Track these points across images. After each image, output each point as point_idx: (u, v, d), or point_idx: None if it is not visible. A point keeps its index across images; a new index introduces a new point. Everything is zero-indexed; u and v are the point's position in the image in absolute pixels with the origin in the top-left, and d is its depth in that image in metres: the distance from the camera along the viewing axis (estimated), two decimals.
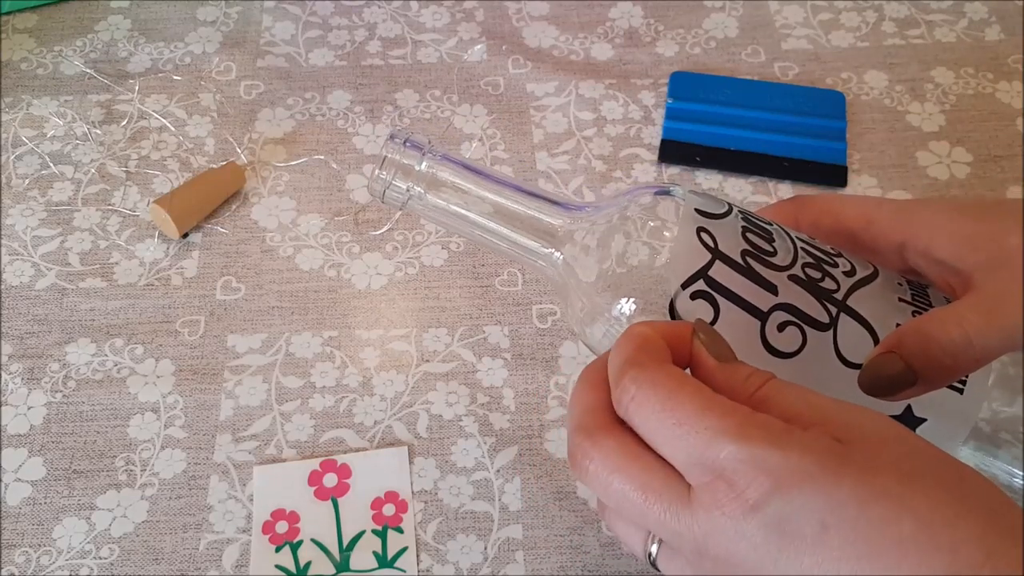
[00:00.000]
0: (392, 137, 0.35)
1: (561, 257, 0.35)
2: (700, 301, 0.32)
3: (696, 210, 0.34)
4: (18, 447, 0.48)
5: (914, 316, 0.34)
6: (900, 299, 0.34)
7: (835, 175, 0.58)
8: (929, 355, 0.31)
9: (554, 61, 0.64)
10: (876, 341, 0.33)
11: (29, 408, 0.49)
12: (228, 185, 0.56)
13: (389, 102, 0.62)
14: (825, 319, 0.33)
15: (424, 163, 0.35)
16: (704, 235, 0.33)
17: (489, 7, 0.67)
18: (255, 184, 0.58)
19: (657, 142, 0.60)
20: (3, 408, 0.49)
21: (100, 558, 0.45)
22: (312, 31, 0.66)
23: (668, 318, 0.32)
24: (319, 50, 0.65)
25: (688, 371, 0.30)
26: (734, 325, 0.32)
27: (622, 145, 0.60)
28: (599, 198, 0.37)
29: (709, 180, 0.58)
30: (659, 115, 0.61)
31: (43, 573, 0.44)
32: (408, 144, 0.35)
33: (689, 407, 0.27)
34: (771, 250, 0.33)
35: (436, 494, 0.47)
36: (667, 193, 0.35)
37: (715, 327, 0.31)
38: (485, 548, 0.45)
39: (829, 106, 0.61)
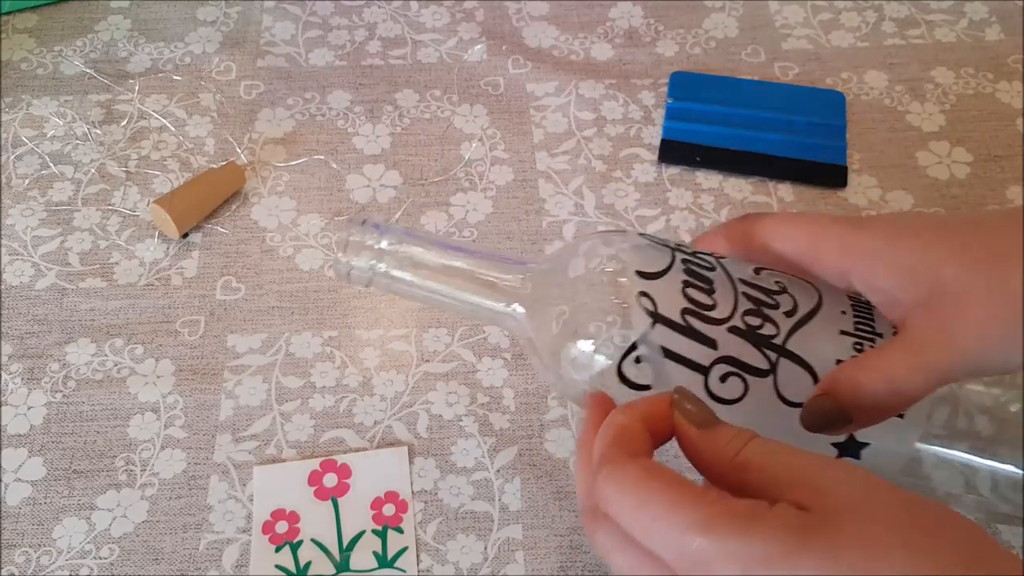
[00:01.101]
0: (352, 221, 0.38)
1: (523, 312, 0.37)
2: (644, 364, 0.34)
3: (637, 272, 0.35)
4: (18, 447, 0.48)
5: (855, 348, 0.35)
6: (842, 331, 0.35)
7: (835, 175, 0.58)
8: (859, 401, 0.33)
9: (554, 61, 0.64)
10: (816, 379, 0.35)
11: (29, 408, 0.49)
12: (228, 185, 0.56)
13: (389, 102, 0.62)
14: (765, 366, 0.34)
15: (384, 241, 0.37)
16: (644, 299, 0.34)
17: (489, 7, 0.67)
18: (255, 184, 0.58)
19: (657, 142, 0.60)
20: (3, 408, 0.49)
21: (100, 558, 0.45)
22: (312, 31, 0.66)
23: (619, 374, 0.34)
24: (319, 50, 0.65)
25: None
26: (677, 381, 0.34)
27: (622, 145, 0.60)
28: (554, 252, 0.40)
29: (709, 180, 0.58)
30: (659, 115, 0.61)
31: (43, 573, 0.44)
32: (369, 225, 0.37)
33: (660, 502, 0.28)
34: (711, 303, 0.34)
35: (436, 494, 0.47)
36: (614, 258, 0.36)
37: (661, 381, 0.34)
38: (485, 548, 0.45)
39: (829, 106, 0.61)
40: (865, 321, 0.36)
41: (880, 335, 0.36)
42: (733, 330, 0.34)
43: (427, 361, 0.51)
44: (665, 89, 0.62)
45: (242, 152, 0.59)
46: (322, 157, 0.59)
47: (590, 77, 0.63)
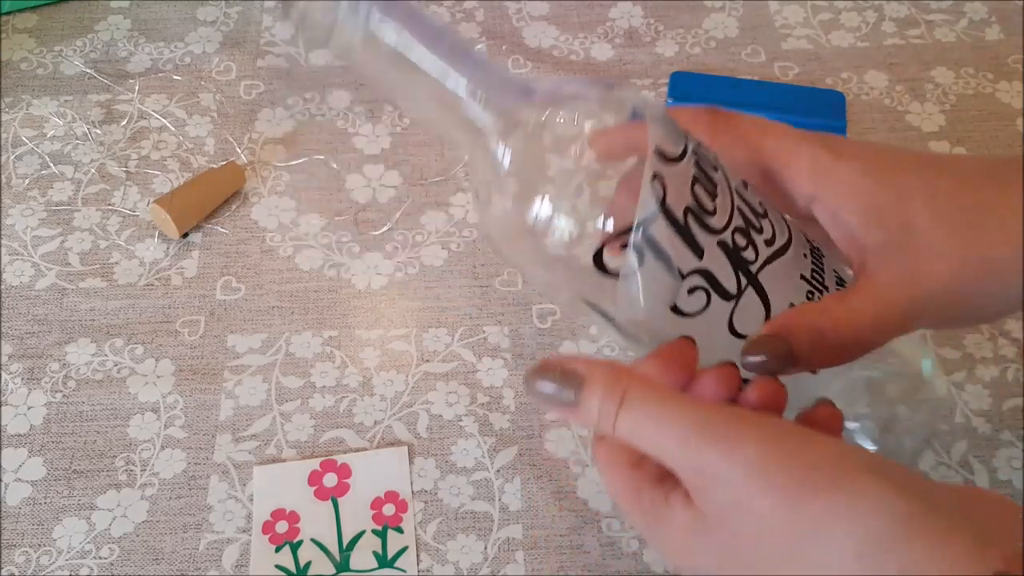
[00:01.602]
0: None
1: (505, 149, 0.32)
2: (631, 251, 0.32)
3: (657, 149, 0.32)
4: (18, 447, 0.48)
5: (808, 297, 0.34)
6: (801, 276, 0.35)
7: None
8: (817, 348, 0.32)
9: (554, 61, 0.64)
10: (767, 317, 0.34)
11: (29, 408, 0.49)
12: (228, 185, 0.56)
13: (389, 102, 0.62)
14: (734, 291, 0.33)
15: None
16: (656, 184, 0.31)
17: (489, 7, 0.67)
18: (255, 184, 0.58)
19: None
20: (3, 408, 0.49)
21: (100, 558, 0.45)
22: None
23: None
24: (319, 50, 0.65)
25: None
26: (651, 279, 0.32)
27: None
28: (557, 87, 0.35)
29: None
30: None
31: (43, 573, 0.44)
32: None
33: (611, 487, 0.31)
34: (711, 209, 0.33)
35: (436, 494, 0.47)
36: (638, 115, 0.33)
37: (634, 274, 0.32)
38: (485, 548, 0.45)
39: (829, 106, 0.61)
40: (818, 271, 0.35)
41: (827, 288, 0.35)
42: (722, 244, 0.33)
43: (427, 361, 0.51)
44: (665, 89, 0.62)
45: (242, 152, 0.59)
46: (322, 157, 0.59)
47: (590, 77, 0.63)
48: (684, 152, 0.33)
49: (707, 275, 0.33)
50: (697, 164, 0.33)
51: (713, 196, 0.33)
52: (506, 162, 0.33)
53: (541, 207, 0.32)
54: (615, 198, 0.32)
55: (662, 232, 0.32)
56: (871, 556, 0.25)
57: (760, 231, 0.34)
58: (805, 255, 0.36)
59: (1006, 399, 0.50)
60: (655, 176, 0.31)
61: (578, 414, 0.30)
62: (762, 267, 0.34)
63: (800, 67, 0.64)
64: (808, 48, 0.65)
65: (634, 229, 0.31)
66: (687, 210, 0.32)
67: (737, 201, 0.34)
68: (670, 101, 0.61)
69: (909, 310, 0.32)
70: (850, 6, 0.68)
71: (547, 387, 0.30)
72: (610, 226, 0.32)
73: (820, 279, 0.35)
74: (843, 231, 0.34)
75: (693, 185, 0.32)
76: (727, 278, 0.33)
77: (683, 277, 0.32)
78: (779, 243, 0.34)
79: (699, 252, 0.32)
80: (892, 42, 0.65)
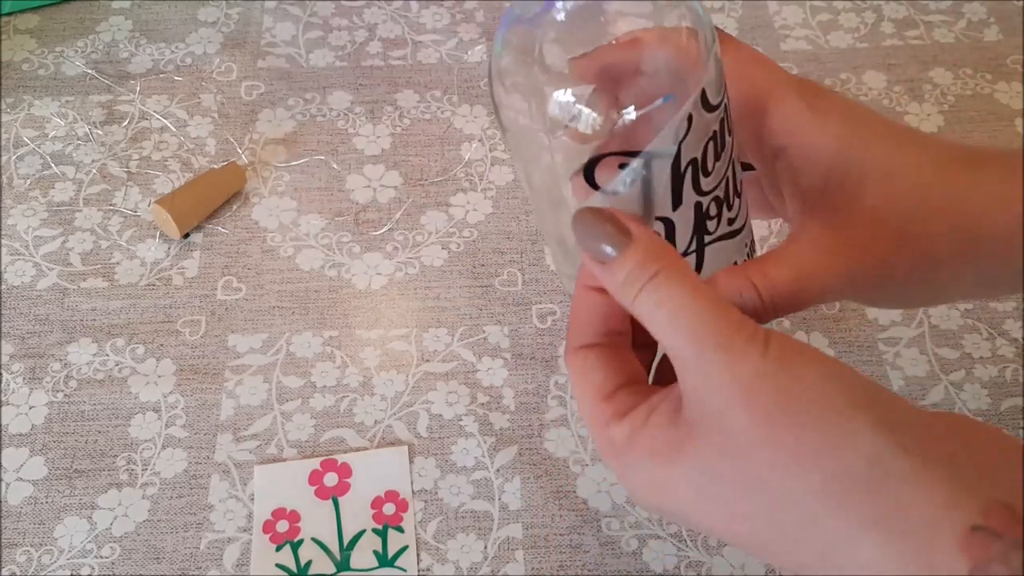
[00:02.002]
0: None
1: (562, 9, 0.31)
2: (625, 173, 0.31)
3: (702, 91, 0.31)
4: (19, 446, 0.48)
5: None
6: (735, 262, 0.35)
7: None
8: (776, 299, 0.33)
9: None
10: None
11: (30, 408, 0.49)
12: (229, 185, 0.57)
13: (389, 103, 0.62)
14: (682, 250, 0.33)
15: None
16: (684, 124, 0.31)
17: (489, 8, 0.68)
18: (256, 184, 0.58)
19: None
20: (5, 408, 0.49)
21: (101, 557, 0.45)
22: (313, 32, 0.66)
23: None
24: (320, 51, 0.65)
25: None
26: (625, 205, 0.32)
27: None
28: None
29: None
30: None
31: (44, 572, 0.44)
32: None
33: (582, 407, 0.31)
34: (710, 169, 0.33)
35: (436, 493, 0.47)
36: (703, 42, 0.32)
37: (614, 195, 0.32)
38: (485, 547, 0.45)
39: None
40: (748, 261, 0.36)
41: None
42: (697, 206, 0.33)
43: (427, 361, 0.51)
44: None
45: (243, 152, 0.59)
46: (322, 157, 0.59)
47: None
48: (719, 104, 0.32)
49: (669, 226, 0.33)
50: (722, 122, 0.33)
51: (717, 158, 0.33)
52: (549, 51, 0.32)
53: (567, 95, 0.31)
54: (637, 123, 0.32)
55: (661, 171, 0.31)
56: (837, 496, 0.25)
57: (730, 208, 0.34)
58: (746, 245, 0.36)
59: (1004, 399, 0.50)
60: (689, 117, 0.31)
61: (607, 271, 0.29)
62: (713, 241, 0.34)
63: (799, 67, 0.64)
64: (807, 48, 0.65)
65: (642, 153, 0.31)
66: (692, 161, 0.32)
67: (729, 172, 0.34)
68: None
69: (834, 282, 0.32)
70: (849, 7, 0.68)
71: (596, 233, 0.30)
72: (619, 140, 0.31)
73: None
74: (796, 189, 0.34)
75: (708, 141, 0.32)
76: (683, 237, 0.33)
77: (649, 220, 0.32)
78: (736, 225, 0.35)
79: (677, 203, 0.32)
80: (891, 43, 0.66)
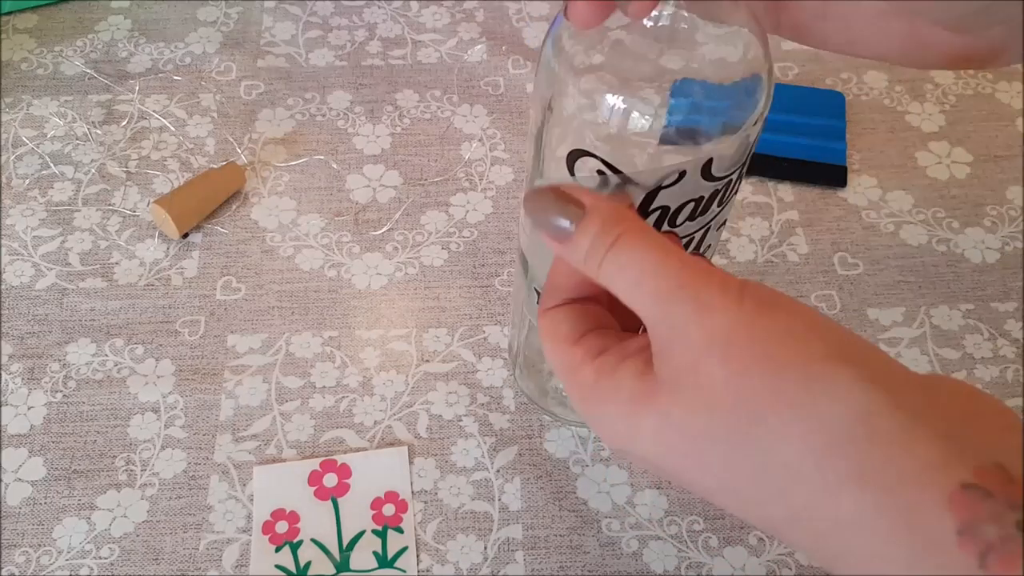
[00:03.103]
0: None
1: None
2: (596, 187, 0.31)
3: (709, 160, 0.31)
4: (18, 447, 0.48)
5: None
6: None
7: (835, 175, 0.58)
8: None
9: None
10: None
11: (29, 408, 0.49)
12: (228, 185, 0.56)
13: (389, 102, 0.62)
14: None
15: None
16: (675, 176, 0.31)
17: (489, 7, 0.67)
18: (255, 184, 0.58)
19: None
20: (3, 408, 0.49)
21: (100, 558, 0.45)
22: (312, 31, 0.66)
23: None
24: (319, 50, 0.65)
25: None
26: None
27: None
28: None
29: None
30: None
31: (43, 573, 0.44)
32: None
33: (552, 359, 0.31)
34: (677, 223, 0.33)
35: (436, 494, 0.47)
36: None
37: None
38: (485, 548, 0.45)
39: (829, 106, 0.61)
40: None
41: None
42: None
43: (427, 361, 0.51)
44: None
45: (242, 152, 0.59)
46: (322, 157, 0.59)
47: None
48: (722, 179, 0.33)
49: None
50: (715, 194, 0.33)
51: (691, 219, 0.33)
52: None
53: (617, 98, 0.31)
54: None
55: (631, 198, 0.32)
56: (819, 449, 0.23)
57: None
58: None
59: (1005, 399, 0.50)
60: (682, 172, 0.31)
61: (568, 247, 0.29)
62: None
63: (800, 67, 0.64)
64: (808, 48, 0.65)
65: (620, 174, 0.31)
66: (663, 208, 0.32)
67: (697, 237, 0.35)
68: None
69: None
70: None
71: (548, 211, 0.29)
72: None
73: None
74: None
75: (690, 202, 0.33)
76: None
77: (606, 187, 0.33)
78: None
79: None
80: None
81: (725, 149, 0.32)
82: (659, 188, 0.31)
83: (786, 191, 0.58)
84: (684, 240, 0.34)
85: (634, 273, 0.27)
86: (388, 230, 0.56)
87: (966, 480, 0.22)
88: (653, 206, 0.32)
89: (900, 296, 0.54)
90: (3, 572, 0.44)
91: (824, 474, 0.23)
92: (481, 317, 0.53)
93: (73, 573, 0.44)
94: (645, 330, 0.28)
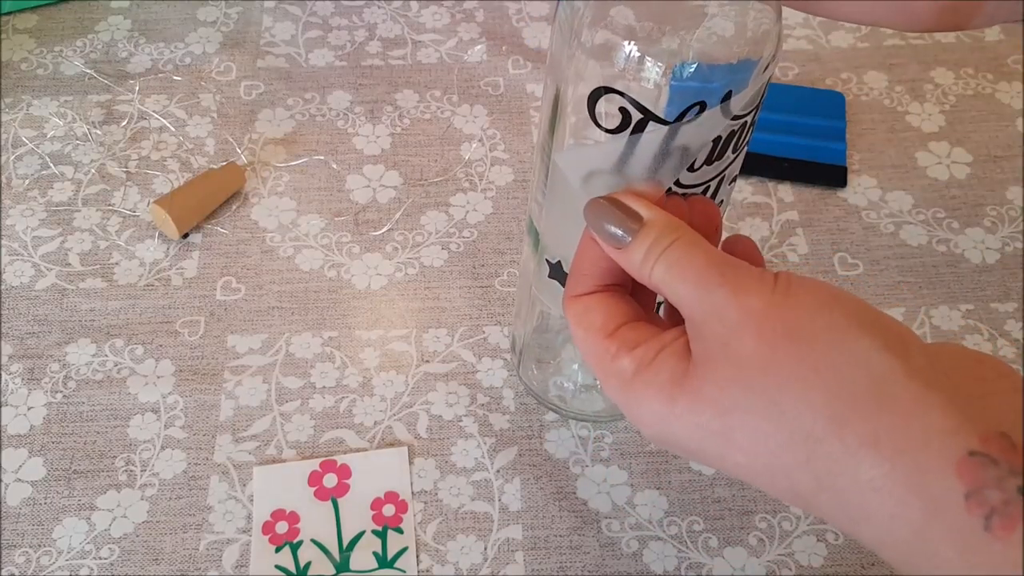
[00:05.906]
0: None
1: None
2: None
3: (728, 92, 0.32)
4: (18, 447, 0.48)
5: None
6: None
7: (835, 175, 0.58)
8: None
9: None
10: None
11: (29, 408, 0.49)
12: (228, 185, 0.56)
13: (389, 102, 0.62)
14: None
15: None
16: (697, 108, 0.31)
17: (489, 7, 0.67)
18: (255, 184, 0.58)
19: None
20: (3, 408, 0.49)
21: (100, 558, 0.45)
22: (312, 31, 0.66)
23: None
24: (319, 50, 0.65)
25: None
26: (601, 158, 0.33)
27: None
28: None
29: None
30: None
31: (43, 573, 0.44)
32: None
33: (584, 347, 0.32)
34: (695, 167, 0.33)
35: (436, 494, 0.47)
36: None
37: (588, 148, 0.33)
38: (485, 548, 0.45)
39: (829, 106, 0.61)
40: None
41: None
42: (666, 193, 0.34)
43: (427, 361, 0.51)
44: None
45: (242, 152, 0.59)
46: (322, 157, 0.59)
47: None
48: (741, 118, 0.33)
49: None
50: (732, 134, 0.34)
51: (708, 163, 0.34)
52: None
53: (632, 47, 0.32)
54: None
55: (651, 140, 0.32)
56: (840, 415, 0.25)
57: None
58: None
59: None
60: (702, 104, 0.32)
61: (623, 256, 0.30)
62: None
63: (800, 67, 0.64)
64: (808, 48, 0.65)
65: (643, 110, 0.32)
66: (683, 148, 0.33)
67: (712, 185, 0.35)
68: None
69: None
70: None
71: (609, 224, 0.31)
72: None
73: None
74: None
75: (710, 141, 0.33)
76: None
77: (622, 176, 0.33)
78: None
79: (650, 177, 0.33)
80: (892, 43, 0.65)
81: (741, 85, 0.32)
82: (680, 125, 0.32)
83: (786, 191, 0.58)
84: (700, 189, 0.35)
85: (680, 271, 0.29)
86: (388, 230, 0.56)
87: (973, 447, 0.24)
88: (674, 143, 0.32)
89: (900, 296, 0.54)
90: (3, 572, 0.44)
91: (844, 438, 0.25)
92: (481, 317, 0.53)
93: (73, 573, 0.44)
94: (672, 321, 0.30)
